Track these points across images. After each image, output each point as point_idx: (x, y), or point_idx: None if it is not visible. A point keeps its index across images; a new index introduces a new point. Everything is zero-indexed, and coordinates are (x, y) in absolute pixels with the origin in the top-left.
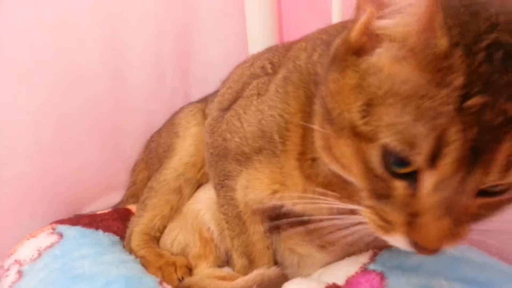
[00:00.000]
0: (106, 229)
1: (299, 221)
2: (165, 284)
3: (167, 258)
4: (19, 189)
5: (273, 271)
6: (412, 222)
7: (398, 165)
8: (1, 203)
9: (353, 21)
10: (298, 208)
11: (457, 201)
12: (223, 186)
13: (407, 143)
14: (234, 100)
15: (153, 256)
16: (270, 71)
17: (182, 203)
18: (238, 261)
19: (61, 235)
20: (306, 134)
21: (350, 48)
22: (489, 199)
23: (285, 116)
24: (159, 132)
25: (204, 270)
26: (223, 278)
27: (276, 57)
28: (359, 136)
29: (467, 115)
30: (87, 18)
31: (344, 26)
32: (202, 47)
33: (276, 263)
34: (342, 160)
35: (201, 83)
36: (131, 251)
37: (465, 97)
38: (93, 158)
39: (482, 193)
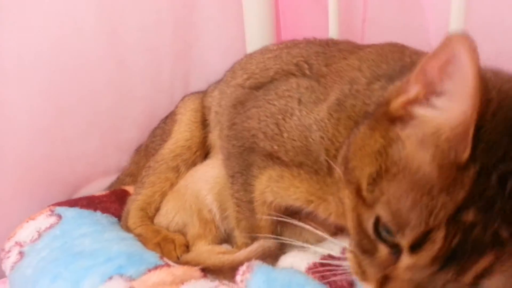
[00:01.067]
0: (104, 210)
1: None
2: (165, 258)
3: (165, 234)
4: (19, 174)
5: (272, 243)
6: (384, 282)
7: (387, 232)
8: (1, 188)
9: (400, 89)
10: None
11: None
12: (244, 174)
13: (398, 224)
14: (256, 90)
15: (150, 232)
16: (308, 72)
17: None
18: (241, 239)
19: (60, 216)
20: None
21: (388, 113)
22: None
23: (335, 143)
24: (164, 119)
25: (202, 247)
26: (223, 253)
27: (313, 58)
28: (360, 197)
29: (456, 224)
30: (89, 13)
31: (401, 58)
32: (200, 39)
33: None
34: (344, 205)
35: (199, 71)
36: (127, 230)
37: (461, 209)
38: (93, 144)
39: None
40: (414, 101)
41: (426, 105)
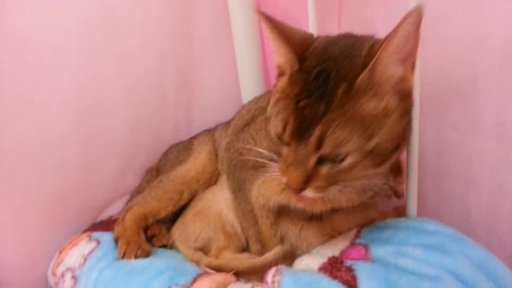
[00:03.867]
0: None
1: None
2: (202, 266)
3: (138, 239)
4: (52, 202)
5: (287, 247)
6: (285, 169)
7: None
8: (37, 216)
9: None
10: (300, 205)
11: (303, 161)
12: (241, 190)
13: (279, 127)
14: (245, 126)
15: (132, 232)
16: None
17: (179, 204)
18: (253, 246)
19: (98, 241)
20: None
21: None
22: (333, 166)
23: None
24: (177, 146)
25: (228, 255)
26: (250, 259)
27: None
28: (267, 120)
29: (298, 110)
30: (107, 62)
31: None
32: (198, 74)
33: None
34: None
35: (199, 101)
36: (121, 221)
37: (298, 100)
38: (111, 170)
39: (327, 161)
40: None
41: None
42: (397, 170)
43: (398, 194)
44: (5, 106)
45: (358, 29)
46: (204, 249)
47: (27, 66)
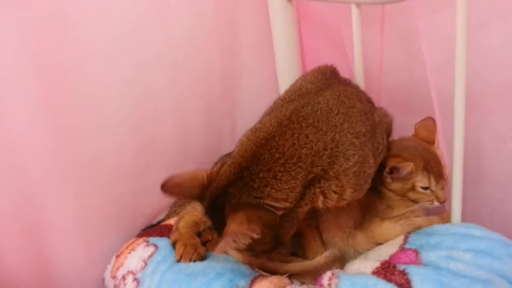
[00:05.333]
0: None
1: None
2: (257, 269)
3: (195, 242)
4: (109, 208)
5: (336, 251)
6: None
7: None
8: (95, 221)
9: None
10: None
11: None
12: None
13: None
14: None
15: (187, 235)
16: None
17: None
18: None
19: (156, 246)
20: None
21: None
22: None
23: None
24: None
25: (279, 257)
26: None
27: None
28: None
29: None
30: (160, 73)
31: None
32: (241, 82)
33: None
34: None
35: (241, 108)
36: (175, 230)
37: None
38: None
39: None
40: None
41: None
42: (439, 175)
43: (440, 199)
44: (69, 118)
45: (401, 39)
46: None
47: (88, 79)
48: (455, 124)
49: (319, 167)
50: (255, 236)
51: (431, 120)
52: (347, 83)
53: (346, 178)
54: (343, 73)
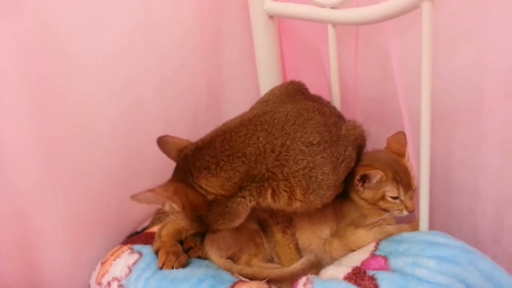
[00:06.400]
0: None
1: None
2: (237, 274)
3: (176, 250)
4: (96, 216)
5: (313, 257)
6: None
7: None
8: (84, 227)
9: None
10: None
11: None
12: None
13: None
14: None
15: (169, 243)
16: None
17: None
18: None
19: (140, 253)
20: None
21: None
22: None
23: None
24: None
25: (258, 263)
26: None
27: None
28: None
29: None
30: (142, 76)
31: None
32: (226, 92)
33: None
34: None
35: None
36: (158, 237)
37: None
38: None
39: None
40: None
41: None
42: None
43: (409, 209)
44: (60, 128)
45: (375, 57)
46: (233, 258)
47: (78, 91)
48: (421, 136)
49: (263, 166)
50: (176, 207)
51: (402, 134)
52: (314, 99)
53: (294, 179)
54: (321, 86)
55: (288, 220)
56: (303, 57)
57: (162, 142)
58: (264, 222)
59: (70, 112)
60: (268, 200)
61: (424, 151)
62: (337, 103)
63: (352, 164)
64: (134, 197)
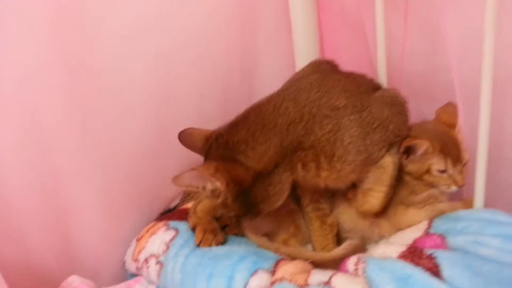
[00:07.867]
0: None
1: None
2: (279, 254)
3: (214, 227)
4: (130, 190)
5: (356, 241)
6: None
7: None
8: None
9: None
10: None
11: None
12: None
13: None
14: None
15: (206, 220)
16: None
17: None
18: None
19: (176, 230)
20: None
21: None
22: None
23: None
24: None
25: (296, 244)
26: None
27: None
28: None
29: None
30: (176, 49)
31: None
32: (259, 69)
33: None
34: None
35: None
36: (193, 213)
37: None
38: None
39: None
40: None
41: None
42: (457, 159)
43: (458, 183)
44: (95, 103)
45: (425, 31)
46: (270, 236)
47: (112, 63)
48: (481, 109)
49: (294, 136)
50: (219, 185)
51: (452, 104)
52: (343, 73)
53: (319, 145)
54: (362, 62)
55: (328, 207)
56: (343, 31)
57: (186, 135)
58: (304, 209)
59: (105, 85)
60: (299, 174)
61: (483, 125)
62: (383, 79)
63: (396, 131)
64: (175, 179)
